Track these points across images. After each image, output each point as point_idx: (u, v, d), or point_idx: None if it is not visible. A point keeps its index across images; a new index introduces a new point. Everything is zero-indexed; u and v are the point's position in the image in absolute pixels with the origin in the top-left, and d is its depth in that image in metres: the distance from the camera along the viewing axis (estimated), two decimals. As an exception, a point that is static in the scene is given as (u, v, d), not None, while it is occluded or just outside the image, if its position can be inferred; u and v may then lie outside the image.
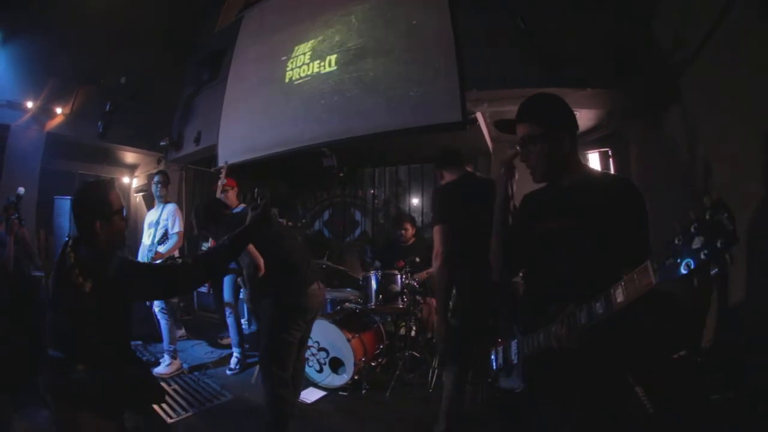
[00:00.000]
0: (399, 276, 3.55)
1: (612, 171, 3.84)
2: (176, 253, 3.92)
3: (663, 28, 2.93)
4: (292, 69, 4.20)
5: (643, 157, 3.58)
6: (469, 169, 2.54)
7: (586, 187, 1.31)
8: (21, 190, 3.48)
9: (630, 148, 3.78)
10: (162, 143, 5.32)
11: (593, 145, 4.10)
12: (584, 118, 3.71)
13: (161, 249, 3.84)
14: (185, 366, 3.78)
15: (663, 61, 2.88)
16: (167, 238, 3.89)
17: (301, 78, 4.09)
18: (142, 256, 3.97)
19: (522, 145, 1.36)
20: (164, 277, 1.63)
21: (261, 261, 2.40)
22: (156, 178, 4.01)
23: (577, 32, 3.06)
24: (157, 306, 3.74)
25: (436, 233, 2.27)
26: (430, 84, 3.23)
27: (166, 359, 3.69)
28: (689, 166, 2.72)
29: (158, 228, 3.89)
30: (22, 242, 3.40)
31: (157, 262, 3.75)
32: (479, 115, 3.43)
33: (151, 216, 4.02)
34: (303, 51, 4.15)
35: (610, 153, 4.01)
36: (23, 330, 3.26)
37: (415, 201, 5.52)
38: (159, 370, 3.62)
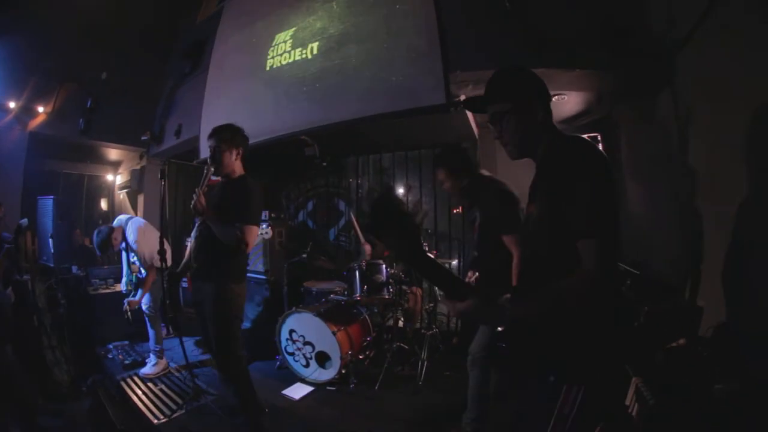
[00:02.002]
0: (384, 266, 3.45)
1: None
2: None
3: (656, 6, 2.84)
4: (273, 57, 4.10)
5: (634, 143, 3.52)
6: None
7: (544, 164, 1.25)
8: (24, 221, 3.49)
9: (620, 133, 3.70)
10: (143, 138, 5.22)
11: (583, 130, 4.02)
12: (573, 101, 3.64)
13: (134, 296, 3.56)
14: (172, 365, 3.70)
15: (655, 43, 2.79)
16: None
17: (282, 66, 3.99)
18: (126, 277, 3.76)
19: (494, 124, 1.31)
20: None
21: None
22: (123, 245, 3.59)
23: (566, 11, 2.96)
24: (144, 304, 3.62)
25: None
26: (413, 67, 3.14)
27: (152, 359, 3.62)
28: (680, 152, 2.64)
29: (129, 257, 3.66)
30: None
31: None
32: (464, 98, 3.34)
33: None
34: (284, 39, 4.05)
35: (599, 138, 3.95)
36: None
37: (399, 190, 5.36)
38: (145, 370, 3.56)
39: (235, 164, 2.47)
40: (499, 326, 1.17)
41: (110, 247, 3.50)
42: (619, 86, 3.30)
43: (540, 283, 1.12)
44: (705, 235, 2.38)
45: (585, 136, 3.86)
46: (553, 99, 3.44)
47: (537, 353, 1.18)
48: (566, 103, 3.61)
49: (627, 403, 1.64)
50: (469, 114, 3.67)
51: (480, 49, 3.12)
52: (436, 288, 3.45)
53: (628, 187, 3.43)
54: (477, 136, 4.16)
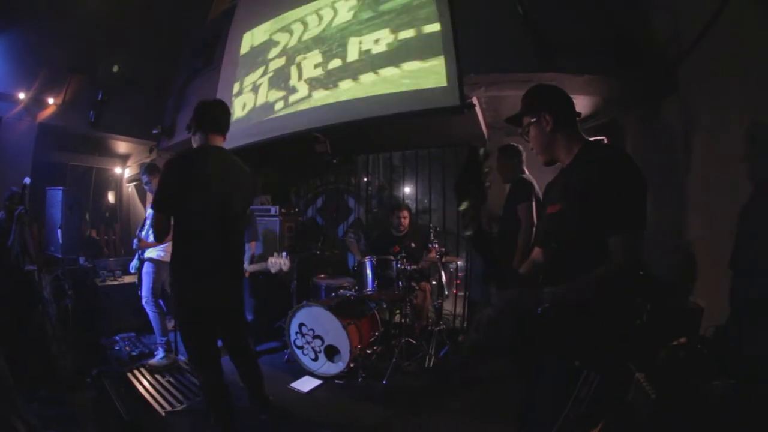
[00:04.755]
0: (394, 262, 3.51)
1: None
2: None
3: (661, 18, 2.92)
4: (286, 56, 4.15)
5: (638, 147, 3.58)
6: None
7: (575, 167, 1.38)
8: (27, 180, 3.45)
9: (625, 137, 3.77)
10: (154, 131, 5.26)
11: (589, 133, 4.06)
12: (580, 105, 3.67)
13: (144, 234, 3.63)
14: (181, 358, 3.68)
15: (661, 51, 2.88)
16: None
17: (296, 64, 4.04)
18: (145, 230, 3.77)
19: (524, 135, 1.50)
20: None
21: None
22: (145, 178, 3.77)
23: (576, 18, 3.04)
24: (143, 298, 3.64)
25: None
26: (427, 68, 3.19)
27: (160, 352, 3.63)
28: (684, 156, 2.73)
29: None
30: (21, 235, 3.38)
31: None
32: (475, 100, 3.40)
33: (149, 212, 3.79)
34: (300, 38, 4.10)
35: (605, 141, 4.01)
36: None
37: (409, 188, 5.47)
38: (153, 361, 3.57)
39: (194, 138, 2.22)
40: (536, 310, 1.25)
41: (153, 175, 3.66)
42: (625, 92, 3.38)
43: (570, 272, 1.23)
44: (706, 236, 2.46)
45: (592, 139, 4.00)
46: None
47: (564, 341, 1.26)
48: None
49: (630, 397, 1.72)
50: (479, 113, 3.73)
51: (492, 53, 3.19)
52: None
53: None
54: (486, 137, 4.23)
